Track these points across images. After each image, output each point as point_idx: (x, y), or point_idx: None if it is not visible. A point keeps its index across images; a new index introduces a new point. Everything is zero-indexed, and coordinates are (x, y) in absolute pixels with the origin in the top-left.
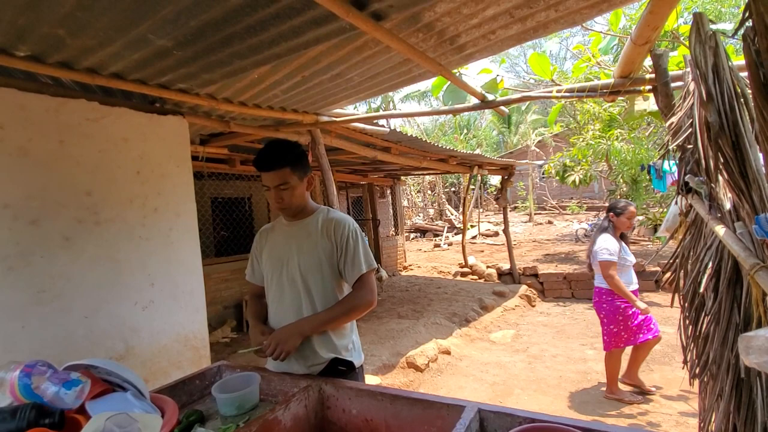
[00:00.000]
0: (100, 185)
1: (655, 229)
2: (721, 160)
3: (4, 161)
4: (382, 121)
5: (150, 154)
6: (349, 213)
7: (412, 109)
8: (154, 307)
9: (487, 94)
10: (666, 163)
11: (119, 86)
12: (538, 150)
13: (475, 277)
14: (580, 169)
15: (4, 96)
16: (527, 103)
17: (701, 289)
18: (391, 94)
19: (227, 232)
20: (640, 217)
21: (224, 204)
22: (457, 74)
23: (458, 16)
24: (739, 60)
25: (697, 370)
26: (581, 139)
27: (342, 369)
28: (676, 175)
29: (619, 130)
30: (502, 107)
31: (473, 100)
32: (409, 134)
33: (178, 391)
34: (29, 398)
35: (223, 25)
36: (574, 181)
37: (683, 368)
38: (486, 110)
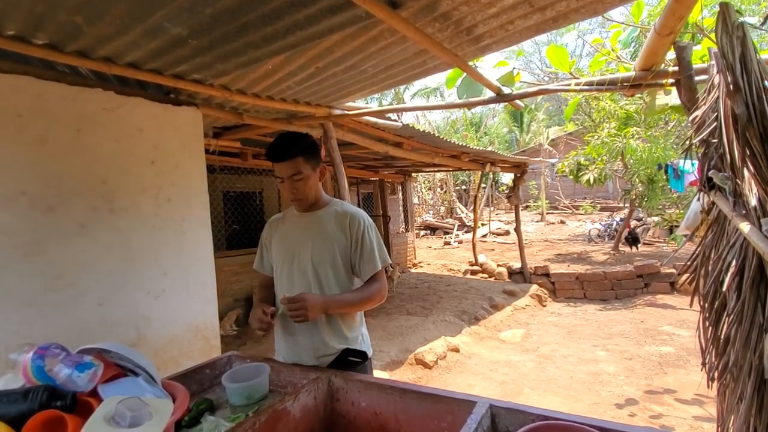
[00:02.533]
0: (115, 174)
1: (671, 231)
2: (748, 153)
3: (22, 149)
4: (394, 117)
5: (164, 144)
6: None
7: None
8: (166, 296)
9: (503, 88)
10: (685, 162)
11: (135, 76)
12: (550, 148)
13: (486, 275)
14: (595, 167)
15: (22, 84)
16: (537, 101)
17: (723, 289)
18: (401, 90)
19: (238, 225)
20: (656, 218)
21: (236, 198)
22: (473, 67)
23: (476, 5)
24: (764, 53)
25: (716, 373)
26: (596, 137)
27: (353, 360)
28: (695, 174)
29: (635, 129)
30: (518, 101)
31: (489, 94)
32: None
33: (189, 379)
34: (42, 380)
35: (238, 14)
36: (588, 180)
37: (701, 370)
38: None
